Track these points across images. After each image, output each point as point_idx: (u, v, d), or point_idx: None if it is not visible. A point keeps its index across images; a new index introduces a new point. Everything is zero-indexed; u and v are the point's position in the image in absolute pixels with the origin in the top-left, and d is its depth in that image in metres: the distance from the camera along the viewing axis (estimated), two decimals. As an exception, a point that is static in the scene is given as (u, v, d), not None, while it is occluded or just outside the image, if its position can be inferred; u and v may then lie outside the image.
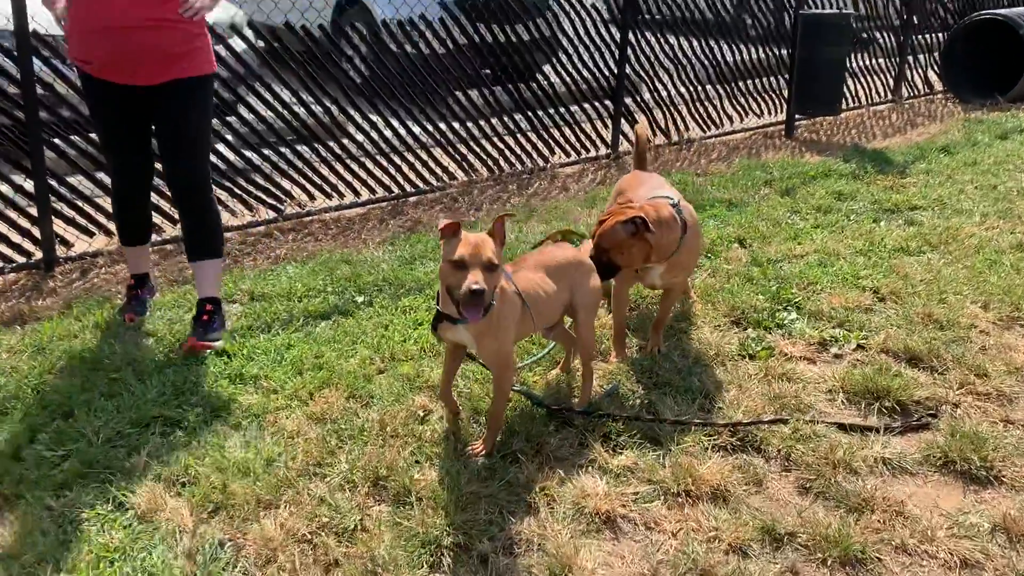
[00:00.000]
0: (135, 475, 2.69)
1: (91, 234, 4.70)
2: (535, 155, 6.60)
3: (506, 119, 6.40)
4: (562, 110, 6.70)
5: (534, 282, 2.89)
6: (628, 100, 7.03)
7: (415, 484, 2.66)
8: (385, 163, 5.83)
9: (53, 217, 4.49)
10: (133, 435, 2.90)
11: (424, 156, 6.00)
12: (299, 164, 5.43)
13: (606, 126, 7.03)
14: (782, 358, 3.53)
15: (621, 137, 7.03)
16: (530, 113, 6.53)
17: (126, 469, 2.72)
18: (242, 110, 5.34)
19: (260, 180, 5.31)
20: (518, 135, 6.48)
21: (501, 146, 6.38)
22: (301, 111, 5.50)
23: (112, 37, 3.39)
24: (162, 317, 3.87)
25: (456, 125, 6.16)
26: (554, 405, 3.09)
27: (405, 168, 5.92)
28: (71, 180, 4.60)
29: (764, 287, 4.17)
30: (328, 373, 3.32)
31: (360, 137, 5.77)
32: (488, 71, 6.57)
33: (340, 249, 4.91)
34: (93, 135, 4.52)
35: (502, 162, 6.42)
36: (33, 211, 4.44)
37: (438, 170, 6.09)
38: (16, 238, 4.46)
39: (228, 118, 5.23)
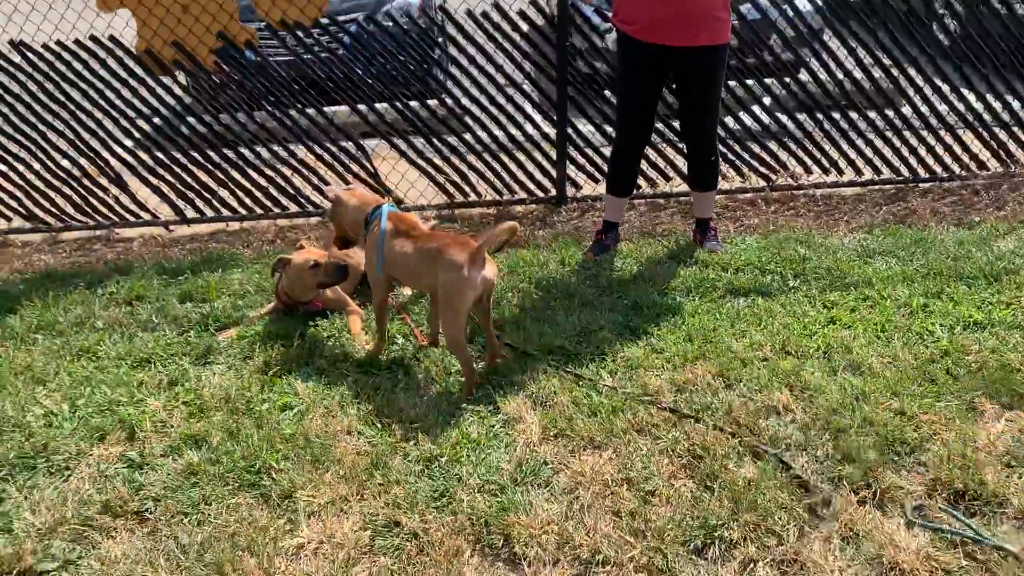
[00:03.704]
0: (515, 389, 3.30)
1: (596, 180, 5.47)
2: (1111, 148, 5.39)
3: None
4: None
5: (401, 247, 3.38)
6: None
7: (725, 472, 2.75)
8: (897, 142, 5.41)
9: (568, 162, 5.36)
10: (536, 357, 3.52)
11: (948, 139, 5.40)
12: (798, 135, 5.40)
13: None
14: None
15: None
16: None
17: (512, 383, 3.34)
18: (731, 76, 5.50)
19: (756, 148, 5.44)
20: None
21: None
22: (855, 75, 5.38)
23: (669, 2, 3.92)
24: (617, 264, 4.42)
25: (995, 103, 5.36)
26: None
27: (922, 150, 5.41)
28: (585, 131, 5.38)
29: None
30: (711, 347, 3.49)
31: (924, 107, 5.43)
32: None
33: (811, 228, 4.84)
34: (606, 92, 5.23)
35: (1056, 153, 5.40)
36: (553, 155, 5.36)
37: (965, 156, 5.42)
38: (539, 177, 5.46)
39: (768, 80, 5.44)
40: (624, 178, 4.52)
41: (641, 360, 3.45)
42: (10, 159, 5.39)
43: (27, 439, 3.10)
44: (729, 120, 5.39)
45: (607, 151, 5.36)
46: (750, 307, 3.84)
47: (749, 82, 5.39)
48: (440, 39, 5.55)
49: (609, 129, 5.34)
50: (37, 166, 5.40)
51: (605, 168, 5.39)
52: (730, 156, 5.41)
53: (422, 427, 3.08)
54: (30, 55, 5.20)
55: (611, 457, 2.89)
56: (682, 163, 5.32)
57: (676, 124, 5.26)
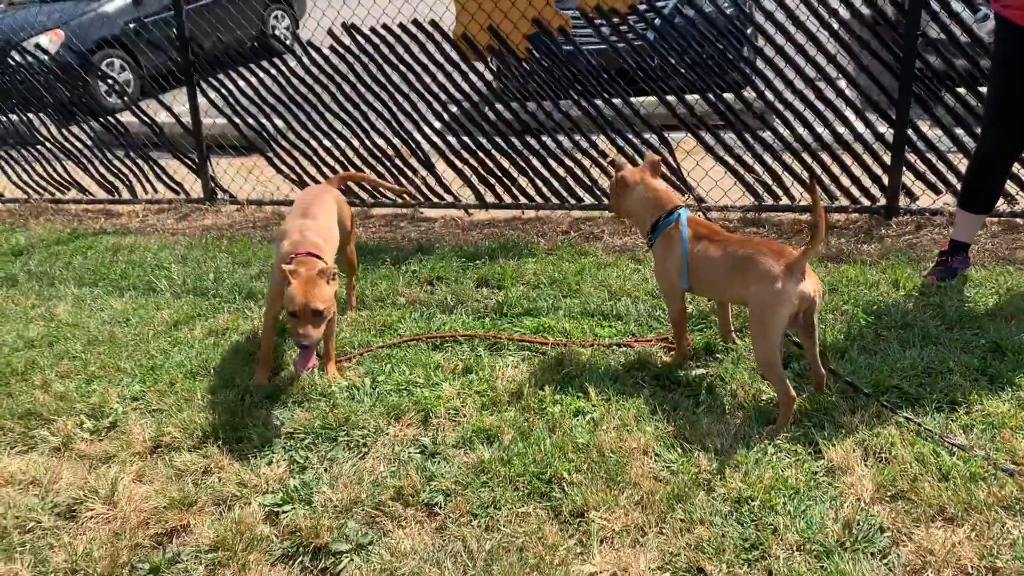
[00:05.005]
0: (841, 432, 2.82)
1: (937, 191, 4.71)
2: None
3: None
4: None
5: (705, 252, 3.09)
6: None
7: None
8: None
9: (904, 168, 4.66)
10: (866, 396, 3.00)
11: None
12: None
13: None
14: None
15: None
16: None
17: (837, 424, 2.86)
18: None
19: None
20: None
21: None
22: None
23: None
24: (968, 294, 3.73)
25: None
26: None
27: None
28: (929, 134, 4.64)
29: None
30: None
31: None
32: None
33: None
34: (960, 90, 4.48)
35: None
36: (887, 159, 4.68)
37: None
38: (866, 182, 4.80)
39: None
40: (986, 192, 3.79)
41: (1007, 418, 2.81)
42: (333, 135, 5.75)
43: (331, 409, 3.16)
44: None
45: (953, 158, 4.62)
46: None
47: None
48: (765, 22, 5.04)
49: (959, 132, 4.56)
50: (356, 143, 5.70)
51: (948, 177, 4.65)
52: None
53: (728, 460, 2.71)
54: (359, 38, 5.48)
55: (969, 536, 2.34)
56: (1053, 177, 4.42)
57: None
